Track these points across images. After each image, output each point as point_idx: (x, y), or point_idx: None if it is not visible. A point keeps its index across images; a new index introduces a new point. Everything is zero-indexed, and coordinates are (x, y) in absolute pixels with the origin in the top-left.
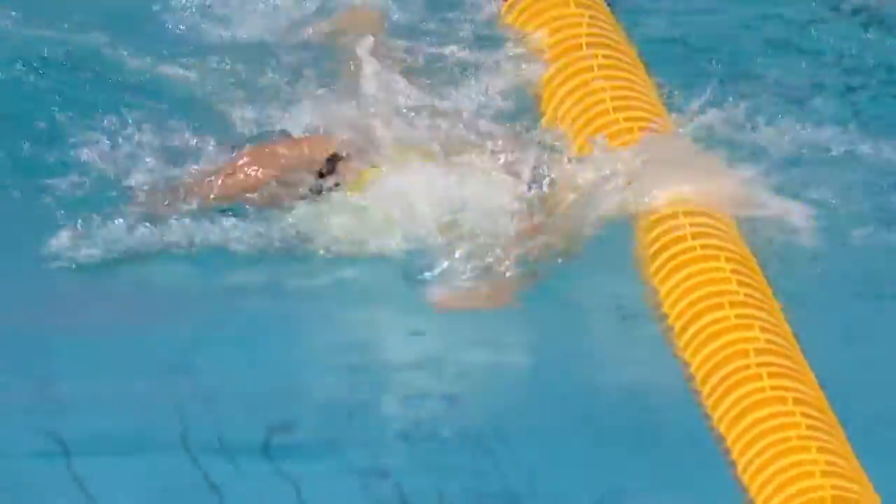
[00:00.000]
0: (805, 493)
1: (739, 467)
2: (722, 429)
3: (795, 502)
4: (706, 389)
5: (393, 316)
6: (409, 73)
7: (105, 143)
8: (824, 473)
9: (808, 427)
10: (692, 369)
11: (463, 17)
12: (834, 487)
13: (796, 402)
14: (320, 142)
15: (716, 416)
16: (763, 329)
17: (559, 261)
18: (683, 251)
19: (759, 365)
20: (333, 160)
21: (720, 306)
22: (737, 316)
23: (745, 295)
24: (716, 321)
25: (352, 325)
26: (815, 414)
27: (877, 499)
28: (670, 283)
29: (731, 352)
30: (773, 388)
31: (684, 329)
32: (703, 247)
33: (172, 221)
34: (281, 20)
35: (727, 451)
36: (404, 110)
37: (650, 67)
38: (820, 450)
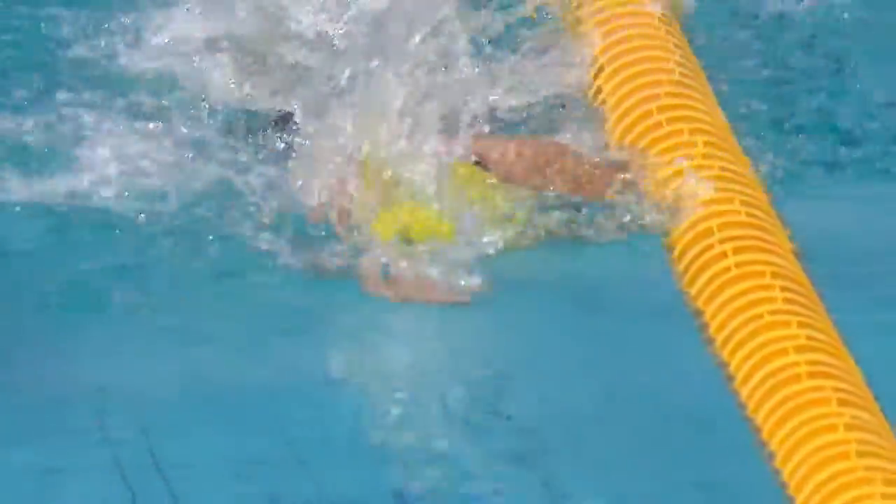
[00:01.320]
0: (783, 371)
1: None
2: (699, 304)
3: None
4: (682, 266)
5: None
6: None
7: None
8: (798, 349)
9: (786, 301)
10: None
11: None
12: (809, 363)
13: (774, 275)
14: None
15: (693, 291)
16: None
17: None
18: None
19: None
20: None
21: None
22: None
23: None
24: None
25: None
26: (795, 288)
27: (856, 370)
28: None
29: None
30: (738, 264)
31: None
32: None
33: None
34: None
35: (708, 336)
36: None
37: None
38: (800, 325)
